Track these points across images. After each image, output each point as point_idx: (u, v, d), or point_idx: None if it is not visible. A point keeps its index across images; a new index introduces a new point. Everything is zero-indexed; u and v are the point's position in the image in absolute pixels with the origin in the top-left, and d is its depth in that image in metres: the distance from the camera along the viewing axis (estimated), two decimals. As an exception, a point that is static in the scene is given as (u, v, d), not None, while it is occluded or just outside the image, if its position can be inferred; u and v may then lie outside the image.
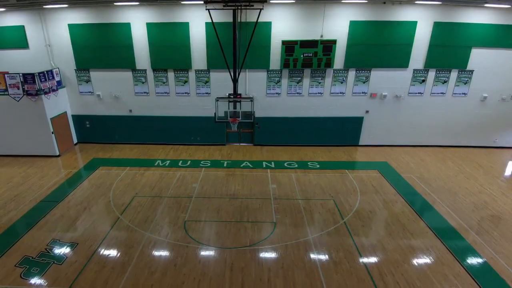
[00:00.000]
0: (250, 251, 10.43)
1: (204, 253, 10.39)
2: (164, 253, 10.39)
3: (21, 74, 16.63)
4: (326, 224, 11.91)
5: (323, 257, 10.22)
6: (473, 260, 10.07)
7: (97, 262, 9.98)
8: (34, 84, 16.64)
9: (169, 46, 18.09)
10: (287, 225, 11.81)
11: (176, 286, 9.00)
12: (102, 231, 11.50)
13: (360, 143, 19.85)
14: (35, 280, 9.22)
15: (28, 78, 16.56)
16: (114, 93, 19.26)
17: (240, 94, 15.44)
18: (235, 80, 15.31)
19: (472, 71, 18.38)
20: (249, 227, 11.69)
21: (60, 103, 18.66)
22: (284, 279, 9.25)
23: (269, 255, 10.29)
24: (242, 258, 10.12)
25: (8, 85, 16.72)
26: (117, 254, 10.30)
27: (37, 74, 16.73)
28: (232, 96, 14.94)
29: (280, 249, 10.51)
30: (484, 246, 10.73)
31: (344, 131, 19.65)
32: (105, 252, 10.41)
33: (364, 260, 10.07)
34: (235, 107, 15.23)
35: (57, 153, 18.06)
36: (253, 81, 18.80)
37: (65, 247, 10.61)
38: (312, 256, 10.24)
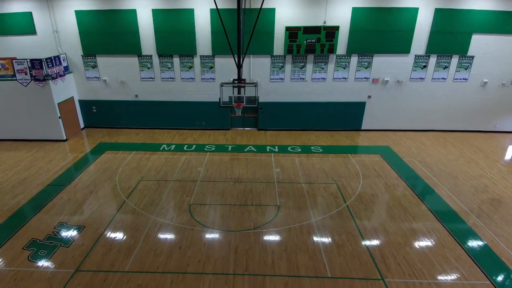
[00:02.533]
0: (254, 234, 10.18)
1: (208, 236, 10.15)
2: (169, 236, 10.16)
3: (28, 60, 16.26)
4: (329, 207, 11.63)
5: (326, 240, 9.96)
6: (473, 243, 9.81)
7: (103, 244, 9.77)
8: (41, 70, 16.27)
9: (174, 32, 17.63)
10: (290, 209, 11.54)
11: (181, 269, 8.78)
12: (108, 214, 11.28)
13: (362, 128, 19.45)
14: (42, 263, 9.03)
15: (35, 63, 16.19)
16: (120, 78, 18.86)
17: (244, 80, 15.02)
18: (239, 66, 14.88)
19: (472, 57, 17.87)
20: (253, 211, 11.43)
21: (67, 88, 18.29)
22: (287, 262, 9.03)
23: (273, 238, 10.04)
24: (246, 241, 9.88)
25: (16, 71, 16.37)
26: (123, 237, 10.08)
27: (44, 59, 16.34)
28: (236, 82, 14.54)
29: (284, 232, 10.26)
30: (485, 229, 10.46)
31: (346, 116, 19.24)
32: (111, 235, 10.20)
33: (367, 242, 9.82)
34: (239, 92, 14.83)
35: (64, 138, 17.78)
36: (257, 67, 18.37)
37: (72, 230, 10.40)
38: (315, 239, 9.98)
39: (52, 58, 16.99)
